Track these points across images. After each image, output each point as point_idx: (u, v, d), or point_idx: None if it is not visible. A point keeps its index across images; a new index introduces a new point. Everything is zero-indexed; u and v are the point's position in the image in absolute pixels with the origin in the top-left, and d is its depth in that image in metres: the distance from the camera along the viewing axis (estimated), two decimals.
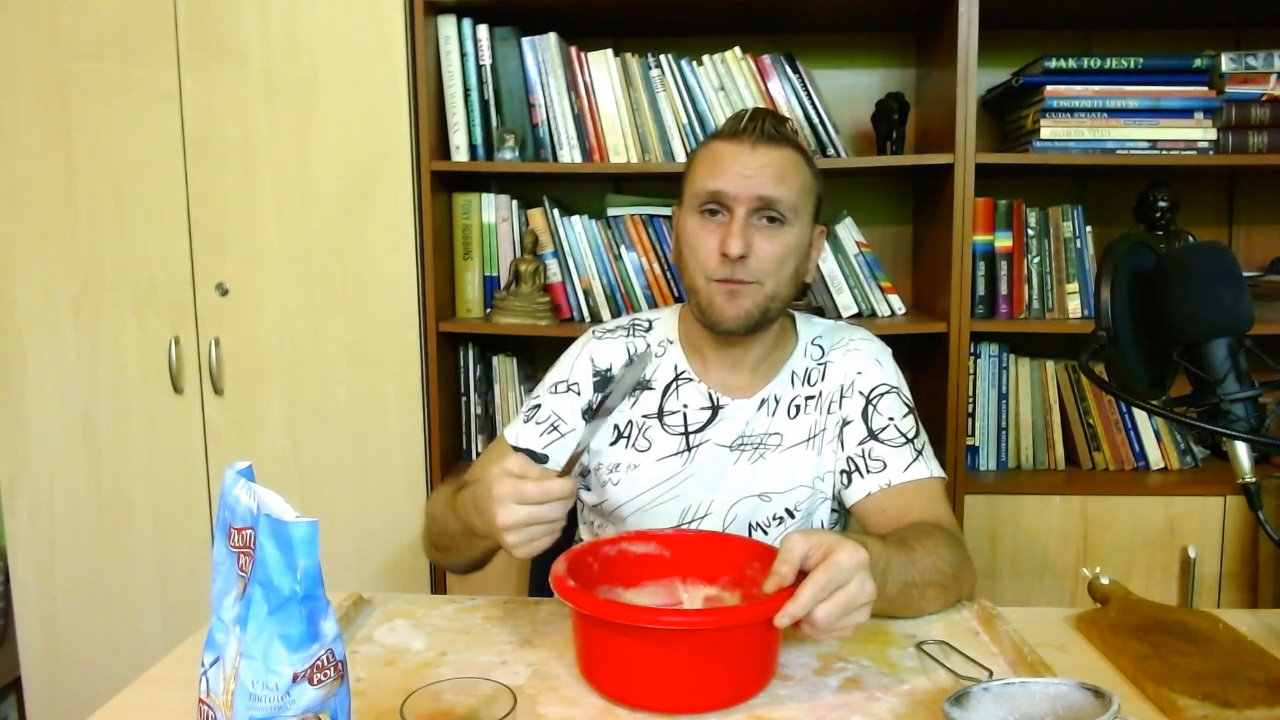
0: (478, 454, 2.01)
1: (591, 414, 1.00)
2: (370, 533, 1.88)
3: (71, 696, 1.93)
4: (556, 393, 1.27)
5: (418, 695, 0.73)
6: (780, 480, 1.21)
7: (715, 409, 1.22)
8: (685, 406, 1.23)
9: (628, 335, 1.28)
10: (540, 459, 1.22)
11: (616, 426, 1.24)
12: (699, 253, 1.17)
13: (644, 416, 1.24)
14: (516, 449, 1.23)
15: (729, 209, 1.15)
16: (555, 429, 1.24)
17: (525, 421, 1.26)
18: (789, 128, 1.20)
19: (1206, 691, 0.82)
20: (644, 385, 1.25)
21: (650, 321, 1.30)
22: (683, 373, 1.24)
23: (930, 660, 0.92)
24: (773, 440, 1.22)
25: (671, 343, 1.27)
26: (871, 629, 0.98)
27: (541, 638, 0.98)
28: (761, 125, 1.16)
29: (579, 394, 1.25)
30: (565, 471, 0.94)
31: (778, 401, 1.23)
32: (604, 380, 1.26)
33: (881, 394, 1.23)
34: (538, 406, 1.27)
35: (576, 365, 1.27)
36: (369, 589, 1.09)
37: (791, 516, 1.22)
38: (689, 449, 1.22)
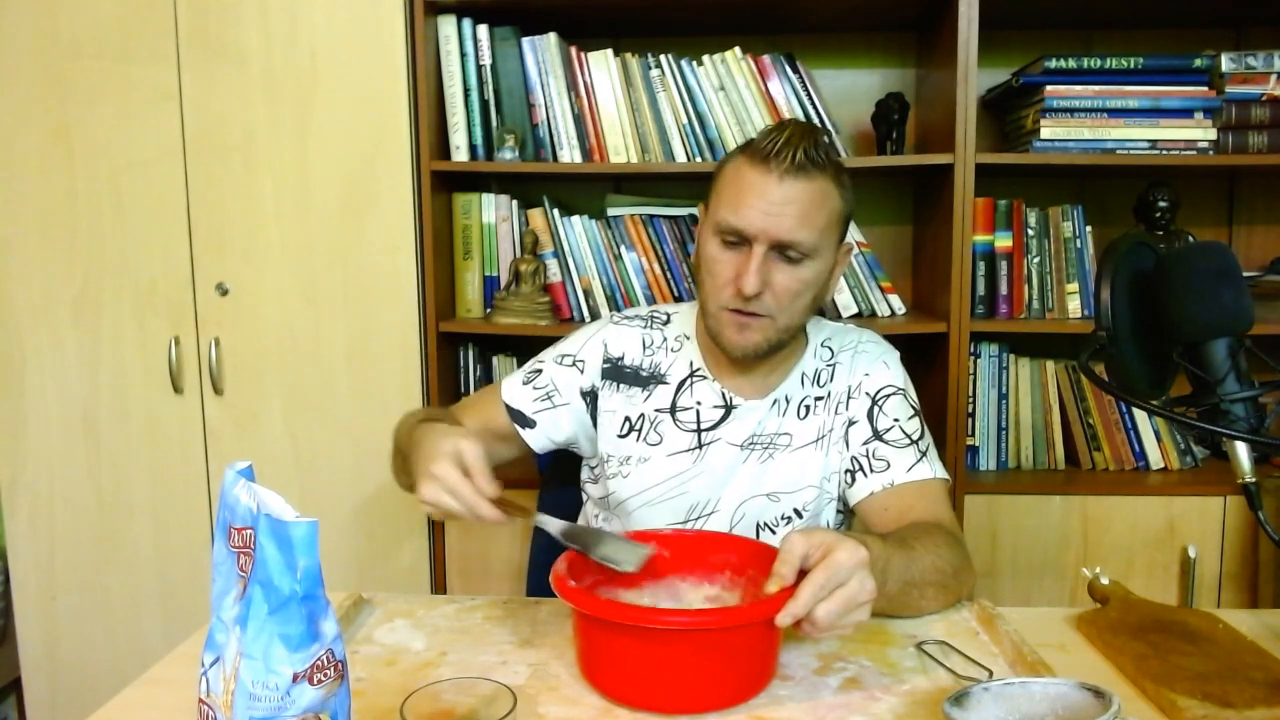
0: None
1: (569, 533, 0.96)
2: (370, 533, 1.88)
3: (71, 696, 1.93)
4: (560, 364, 1.27)
5: (418, 695, 0.73)
6: (789, 480, 1.22)
7: (728, 408, 1.22)
8: (699, 404, 1.23)
9: (646, 326, 1.28)
10: (528, 423, 1.25)
11: (628, 418, 1.24)
12: (716, 279, 1.15)
13: (656, 410, 1.24)
14: (509, 407, 1.25)
15: (748, 243, 1.12)
16: (549, 399, 1.25)
17: (524, 383, 1.27)
18: (822, 151, 1.12)
19: (1206, 691, 0.82)
20: (659, 379, 1.25)
21: (669, 315, 1.30)
22: (697, 370, 1.24)
23: (930, 660, 0.92)
24: (782, 440, 1.22)
25: (688, 338, 1.27)
26: (871, 629, 0.98)
27: (541, 638, 0.98)
28: (793, 156, 1.09)
29: (582, 372, 1.26)
30: (501, 505, 0.94)
31: (788, 402, 1.23)
32: (614, 368, 1.25)
33: (888, 395, 1.23)
34: (539, 371, 1.27)
35: (589, 344, 1.27)
36: (369, 589, 1.09)
37: (799, 516, 1.22)
38: (700, 446, 1.22)
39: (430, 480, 0.93)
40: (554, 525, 0.97)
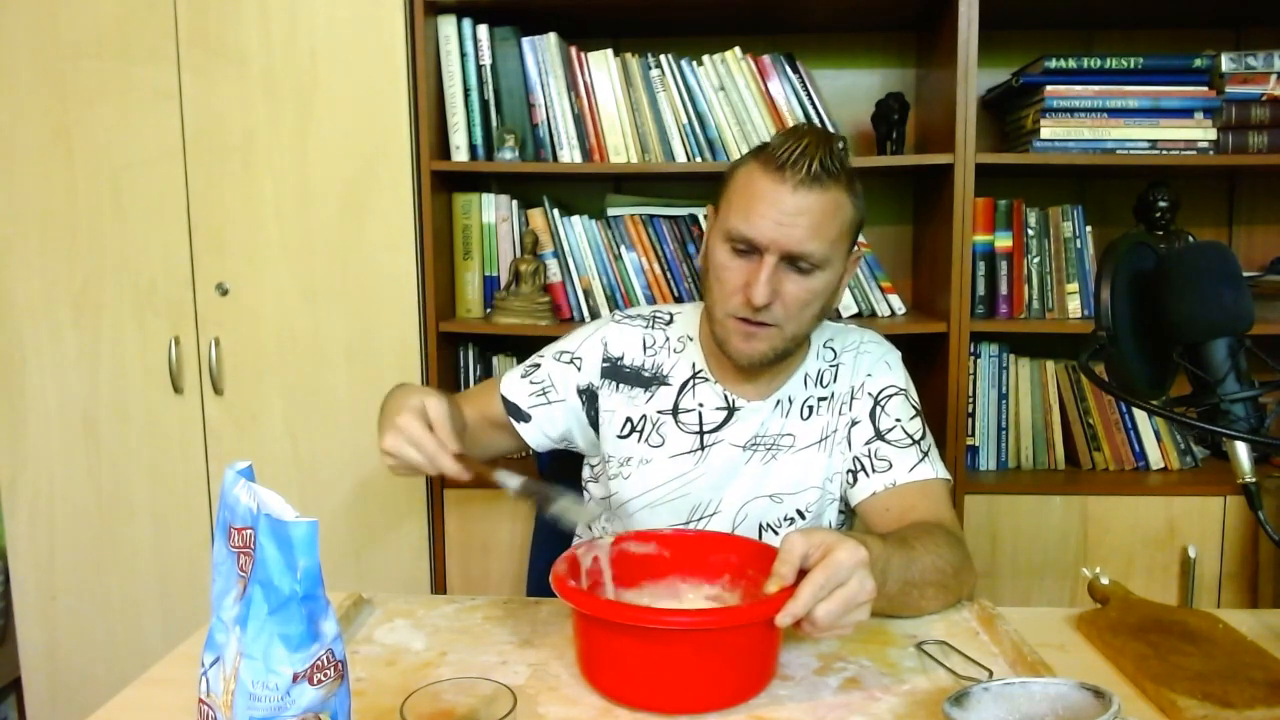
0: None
1: (527, 487, 0.99)
2: (370, 532, 1.88)
3: (71, 696, 1.93)
4: (559, 360, 1.27)
5: (418, 695, 0.73)
6: (792, 481, 1.21)
7: (731, 410, 1.22)
8: (701, 406, 1.23)
9: (648, 326, 1.28)
10: (523, 418, 1.26)
11: (629, 419, 1.24)
12: (724, 285, 1.14)
13: (659, 412, 1.24)
14: (505, 400, 1.26)
15: (759, 253, 1.10)
16: (545, 395, 1.26)
17: (522, 377, 1.28)
18: (837, 160, 1.10)
19: (1206, 691, 0.82)
20: (661, 380, 1.25)
21: (671, 315, 1.30)
22: (699, 371, 1.24)
23: (930, 660, 0.92)
24: (785, 441, 1.22)
25: (691, 339, 1.26)
26: (871, 629, 0.98)
27: (541, 638, 0.98)
28: (808, 166, 1.07)
29: (579, 370, 1.26)
30: (461, 461, 0.97)
31: (791, 402, 1.23)
32: (614, 368, 1.25)
33: (890, 395, 1.23)
34: (538, 366, 1.28)
35: (588, 342, 1.27)
36: (369, 589, 1.09)
37: (802, 517, 1.22)
38: (702, 448, 1.22)
39: (394, 431, 0.97)
40: (513, 481, 0.99)
